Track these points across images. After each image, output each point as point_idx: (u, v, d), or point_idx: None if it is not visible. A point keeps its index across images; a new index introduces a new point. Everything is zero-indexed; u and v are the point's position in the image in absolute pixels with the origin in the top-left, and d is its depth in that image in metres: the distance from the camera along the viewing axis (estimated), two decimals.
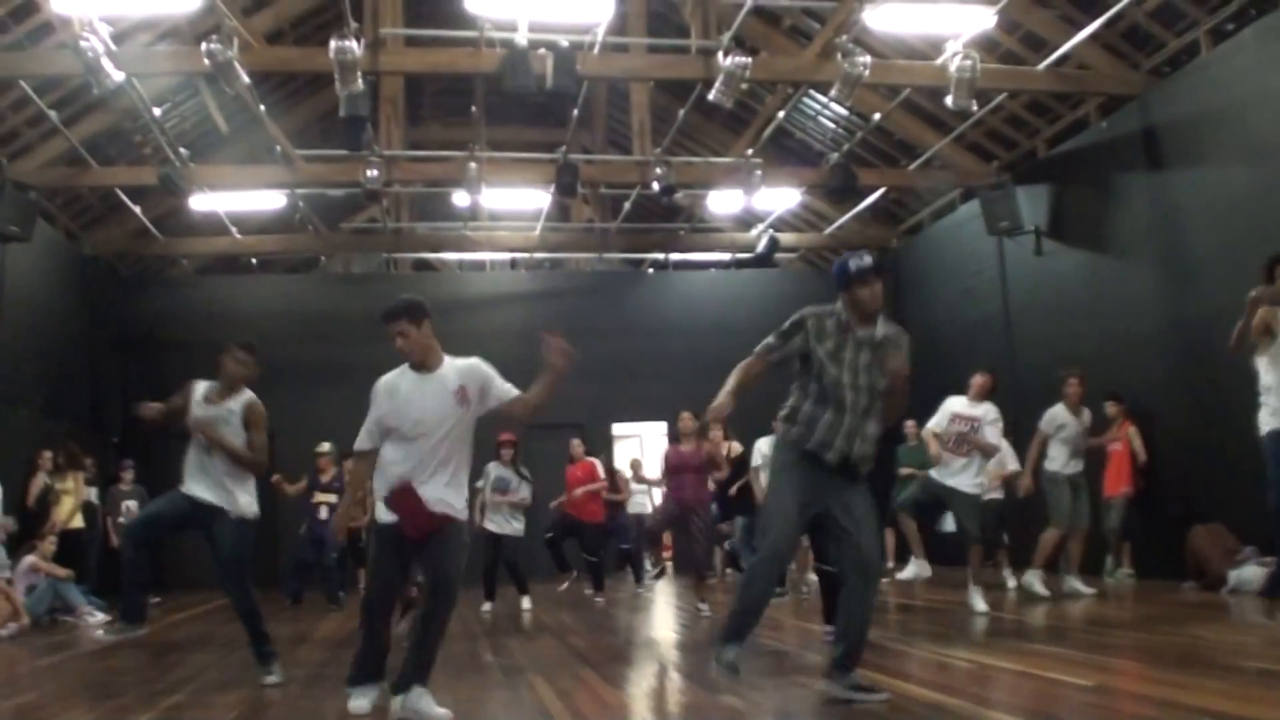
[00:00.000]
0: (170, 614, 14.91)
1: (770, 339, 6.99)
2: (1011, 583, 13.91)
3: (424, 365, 6.77)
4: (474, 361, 6.89)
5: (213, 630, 12.56)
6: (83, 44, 12.28)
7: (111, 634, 8.66)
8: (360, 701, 6.70)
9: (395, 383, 6.77)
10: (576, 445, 16.40)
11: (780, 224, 21.89)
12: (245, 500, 8.21)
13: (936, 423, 11.75)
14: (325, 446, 15.70)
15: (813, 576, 14.00)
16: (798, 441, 6.65)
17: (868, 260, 6.63)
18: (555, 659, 9.09)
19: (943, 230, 20.42)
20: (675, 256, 23.59)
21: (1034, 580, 12.51)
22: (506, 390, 6.83)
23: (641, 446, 22.82)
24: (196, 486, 8.11)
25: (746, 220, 22.30)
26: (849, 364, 6.61)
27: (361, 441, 6.86)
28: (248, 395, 8.31)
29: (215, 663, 9.52)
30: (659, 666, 8.89)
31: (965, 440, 11.43)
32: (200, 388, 8.29)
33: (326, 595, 15.49)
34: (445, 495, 6.63)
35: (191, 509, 8.13)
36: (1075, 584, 12.63)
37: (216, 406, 8.18)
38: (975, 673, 7.54)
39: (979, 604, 11.06)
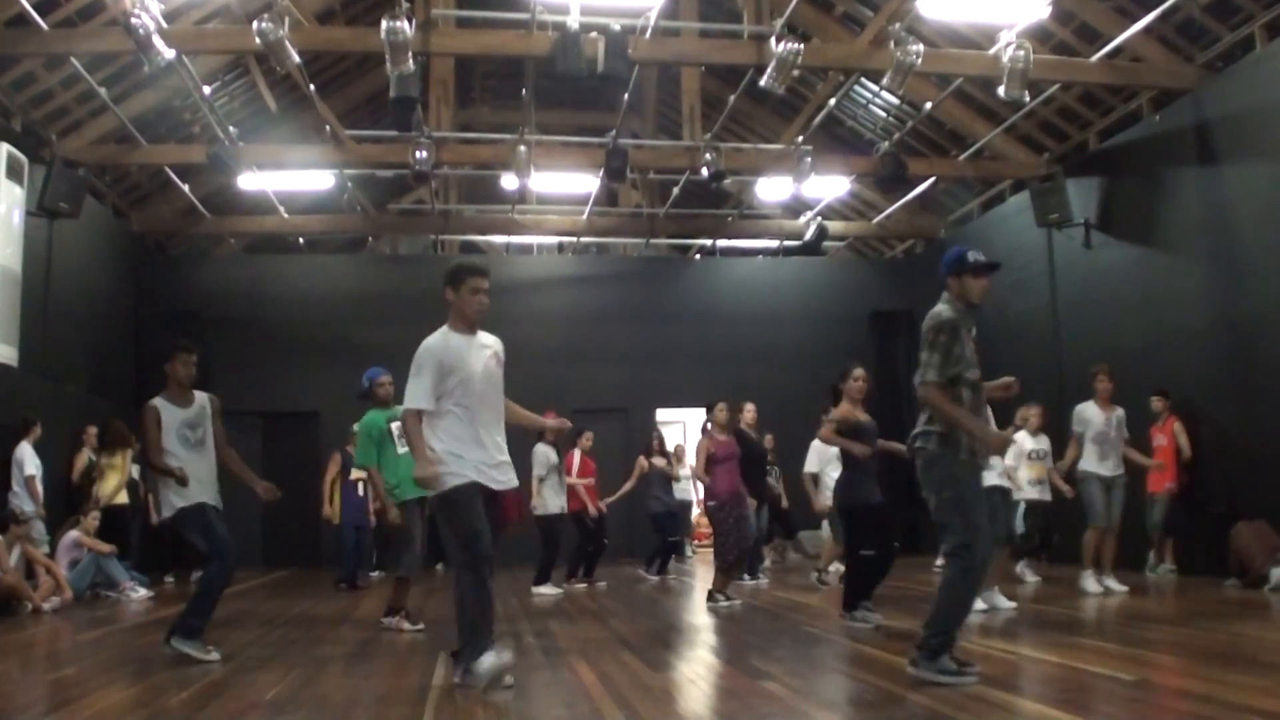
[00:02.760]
0: None
1: (938, 358, 6.74)
2: (1031, 578, 13.87)
3: (473, 328, 7.08)
4: (495, 338, 7.27)
5: (253, 608, 12.61)
6: (133, 21, 12.31)
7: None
8: (504, 656, 6.77)
9: (449, 344, 6.94)
10: (587, 438, 16.27)
11: (829, 212, 21.81)
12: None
13: None
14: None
15: (834, 567, 14.00)
16: (956, 452, 6.64)
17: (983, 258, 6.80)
18: (597, 642, 9.08)
19: (991, 221, 20.27)
20: (722, 243, 23.55)
21: (1088, 580, 12.37)
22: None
23: (684, 432, 22.81)
24: (207, 494, 8.50)
25: (795, 208, 22.24)
26: (971, 358, 6.74)
27: (419, 400, 6.83)
28: (202, 394, 8.79)
29: (255, 640, 9.57)
30: (700, 652, 8.88)
31: None
32: (161, 403, 8.58)
33: (384, 566, 15.84)
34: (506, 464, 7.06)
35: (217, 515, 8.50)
36: (1110, 583, 12.49)
37: (190, 409, 8.61)
38: (1017, 665, 7.51)
39: (1002, 602, 10.89)
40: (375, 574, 16.74)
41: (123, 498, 15.37)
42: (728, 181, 19.20)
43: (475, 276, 7.00)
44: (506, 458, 7.02)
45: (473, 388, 6.86)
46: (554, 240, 23.26)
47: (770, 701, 6.35)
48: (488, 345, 7.09)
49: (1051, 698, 6.11)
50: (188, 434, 8.48)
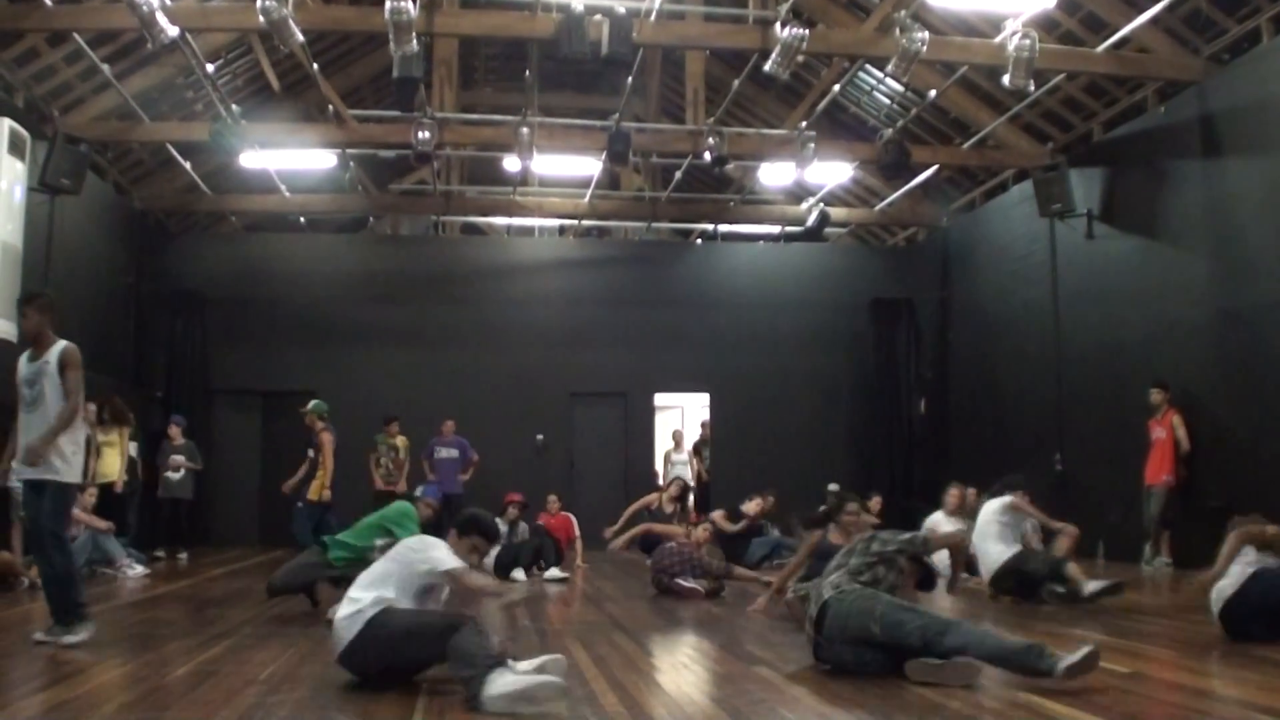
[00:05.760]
0: (210, 569, 14.99)
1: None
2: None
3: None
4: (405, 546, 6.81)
5: (251, 585, 12.60)
6: None
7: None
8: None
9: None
10: (553, 501, 16.34)
11: (831, 198, 21.77)
12: (65, 466, 7.96)
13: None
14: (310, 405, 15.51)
15: None
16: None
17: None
18: (591, 625, 9.10)
19: (994, 210, 20.26)
20: (724, 228, 23.51)
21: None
22: (438, 561, 6.61)
23: (683, 417, 22.82)
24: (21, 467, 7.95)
25: (797, 194, 22.23)
26: None
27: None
28: (60, 344, 8.06)
29: (253, 618, 9.56)
30: (695, 637, 8.88)
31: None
32: (24, 355, 8.14)
33: None
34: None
35: (31, 494, 7.97)
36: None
37: (36, 362, 7.99)
38: None
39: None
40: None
41: (119, 473, 15.38)
42: (730, 166, 19.18)
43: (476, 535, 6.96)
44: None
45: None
46: (555, 223, 23.23)
47: (763, 686, 6.35)
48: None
49: (1046, 690, 6.10)
50: (25, 392, 8.02)
